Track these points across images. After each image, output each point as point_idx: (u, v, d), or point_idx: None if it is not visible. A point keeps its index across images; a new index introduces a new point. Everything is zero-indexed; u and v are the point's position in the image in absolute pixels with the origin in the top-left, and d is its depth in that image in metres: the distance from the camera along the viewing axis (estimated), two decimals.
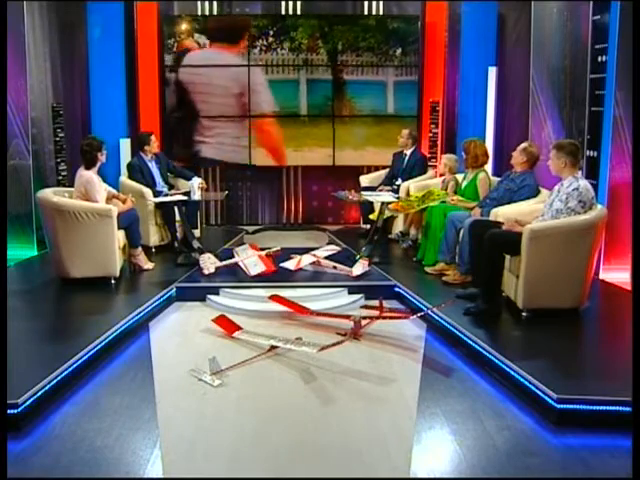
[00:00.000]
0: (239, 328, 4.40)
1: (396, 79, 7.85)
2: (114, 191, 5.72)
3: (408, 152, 7.13)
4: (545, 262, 4.29)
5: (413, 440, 3.04)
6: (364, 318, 4.40)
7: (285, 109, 7.93)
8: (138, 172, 6.40)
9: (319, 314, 4.67)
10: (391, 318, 4.51)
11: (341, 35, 7.75)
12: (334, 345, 3.92)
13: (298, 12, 7.95)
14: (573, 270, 4.33)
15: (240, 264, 5.45)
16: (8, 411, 3.01)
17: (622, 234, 5.61)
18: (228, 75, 7.80)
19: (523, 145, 5.25)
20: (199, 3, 7.91)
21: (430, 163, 7.63)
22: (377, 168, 7.80)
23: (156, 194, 6.25)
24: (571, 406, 3.16)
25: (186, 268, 5.57)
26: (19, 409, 3.08)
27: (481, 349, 3.89)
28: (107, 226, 5.04)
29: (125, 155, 7.61)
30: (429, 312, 4.50)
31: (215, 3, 7.92)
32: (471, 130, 7.70)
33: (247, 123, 7.89)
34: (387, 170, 7.35)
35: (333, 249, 5.97)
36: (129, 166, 6.54)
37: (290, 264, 5.46)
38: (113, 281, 5.15)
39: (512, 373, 3.54)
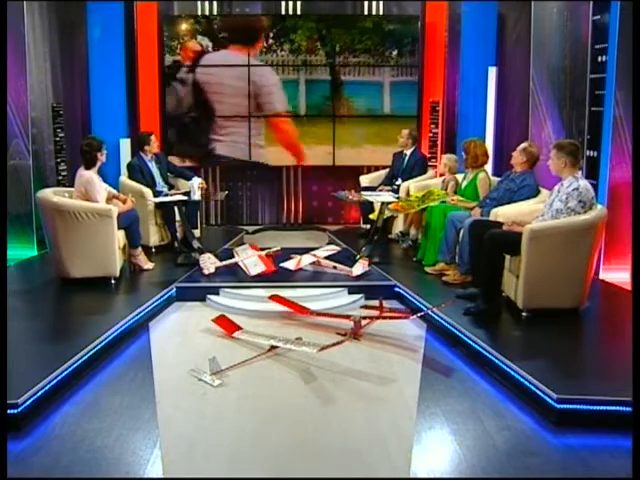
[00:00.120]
0: (239, 328, 4.40)
1: (393, 79, 7.86)
2: (114, 191, 5.71)
3: (408, 152, 7.12)
4: (545, 262, 4.29)
5: (413, 440, 3.04)
6: (364, 318, 4.40)
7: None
8: (138, 172, 6.40)
9: (319, 314, 4.67)
10: (391, 318, 4.51)
11: (339, 37, 7.79)
12: (334, 345, 3.92)
13: (298, 12, 7.95)
14: (573, 270, 4.33)
15: (240, 264, 5.45)
16: (8, 411, 3.01)
17: (622, 234, 5.62)
18: (234, 75, 7.81)
19: (523, 145, 5.25)
20: (199, 3, 7.91)
21: (430, 163, 7.63)
22: (377, 168, 7.80)
23: (156, 194, 6.25)
24: (571, 406, 3.16)
25: (186, 268, 5.57)
26: (19, 409, 3.08)
27: (481, 349, 3.89)
28: (107, 226, 5.04)
29: (125, 155, 7.61)
30: (429, 312, 4.49)
31: (215, 3, 7.93)
32: (471, 130, 7.71)
33: (248, 122, 7.90)
34: (387, 170, 7.35)
35: (333, 249, 5.97)
36: (129, 166, 6.54)
37: (290, 264, 5.46)
38: (113, 281, 5.15)
39: (512, 373, 3.54)
